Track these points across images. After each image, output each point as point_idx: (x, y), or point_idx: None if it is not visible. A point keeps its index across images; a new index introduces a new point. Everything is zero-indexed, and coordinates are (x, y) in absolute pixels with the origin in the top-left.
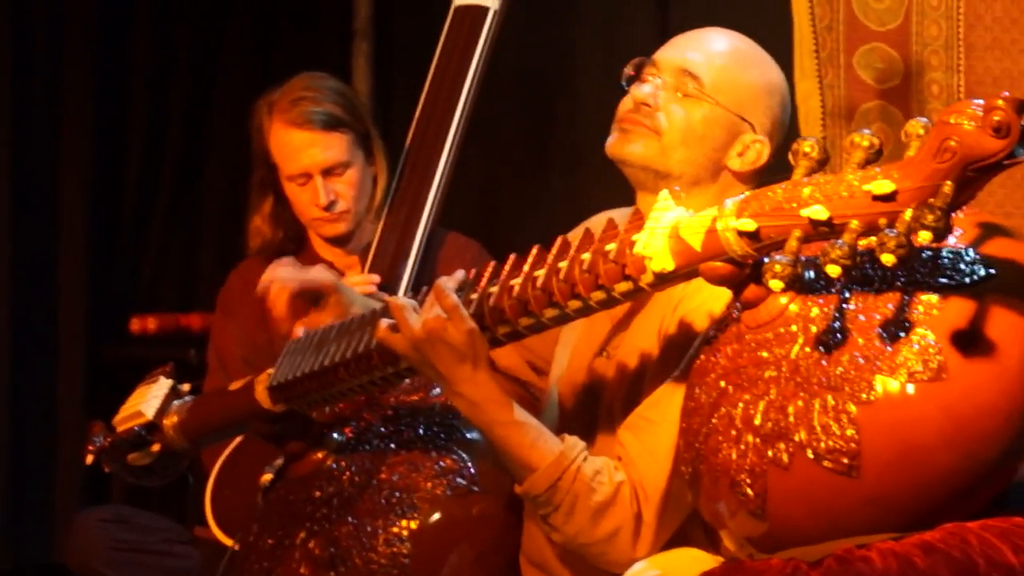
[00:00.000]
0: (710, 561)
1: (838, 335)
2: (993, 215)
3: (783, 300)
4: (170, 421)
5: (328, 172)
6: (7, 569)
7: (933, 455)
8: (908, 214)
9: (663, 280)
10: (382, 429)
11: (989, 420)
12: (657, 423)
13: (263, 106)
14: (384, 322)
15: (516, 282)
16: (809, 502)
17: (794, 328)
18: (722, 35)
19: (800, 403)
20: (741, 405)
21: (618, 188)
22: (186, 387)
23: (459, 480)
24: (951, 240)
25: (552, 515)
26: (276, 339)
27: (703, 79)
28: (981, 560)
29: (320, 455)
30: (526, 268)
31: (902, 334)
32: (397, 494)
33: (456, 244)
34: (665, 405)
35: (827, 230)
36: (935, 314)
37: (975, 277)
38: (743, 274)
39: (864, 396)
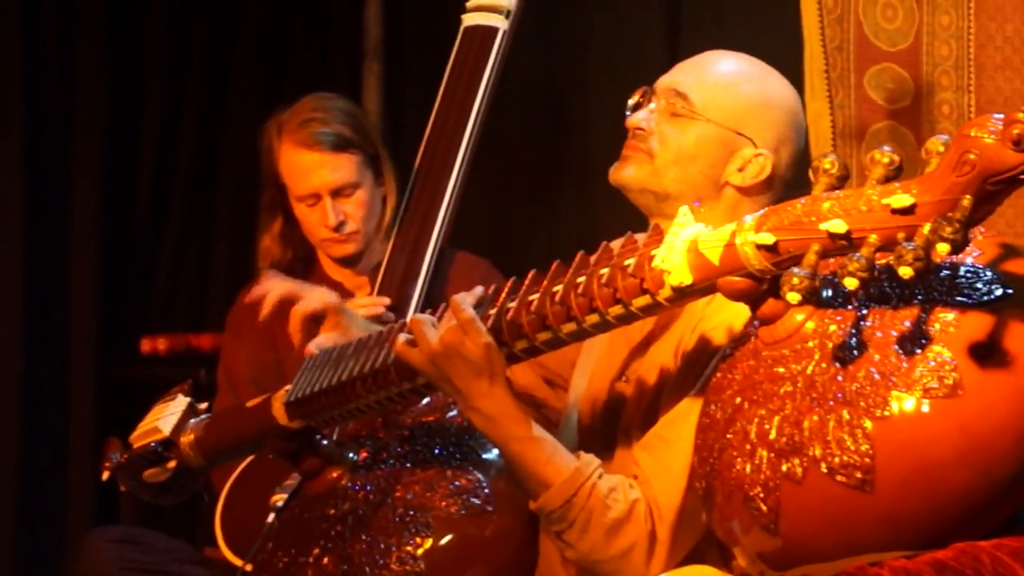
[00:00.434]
0: None
1: (854, 351)
2: (1005, 236)
3: (800, 317)
4: (187, 438)
5: (337, 193)
6: None
7: (948, 472)
8: (927, 228)
9: (681, 294)
10: (398, 448)
11: (1004, 438)
12: (673, 442)
13: (272, 127)
14: (402, 336)
15: (534, 297)
16: (822, 517)
17: (811, 344)
18: (722, 56)
19: (815, 418)
20: (756, 420)
21: (629, 207)
22: (203, 405)
23: (474, 500)
24: (969, 260)
25: (566, 531)
26: (286, 360)
27: (691, 98)
28: None
29: (336, 473)
30: (545, 283)
31: (918, 351)
32: (412, 513)
33: (466, 263)
34: (681, 424)
35: (846, 244)
36: (952, 331)
37: (992, 296)
38: (761, 289)
39: (879, 412)
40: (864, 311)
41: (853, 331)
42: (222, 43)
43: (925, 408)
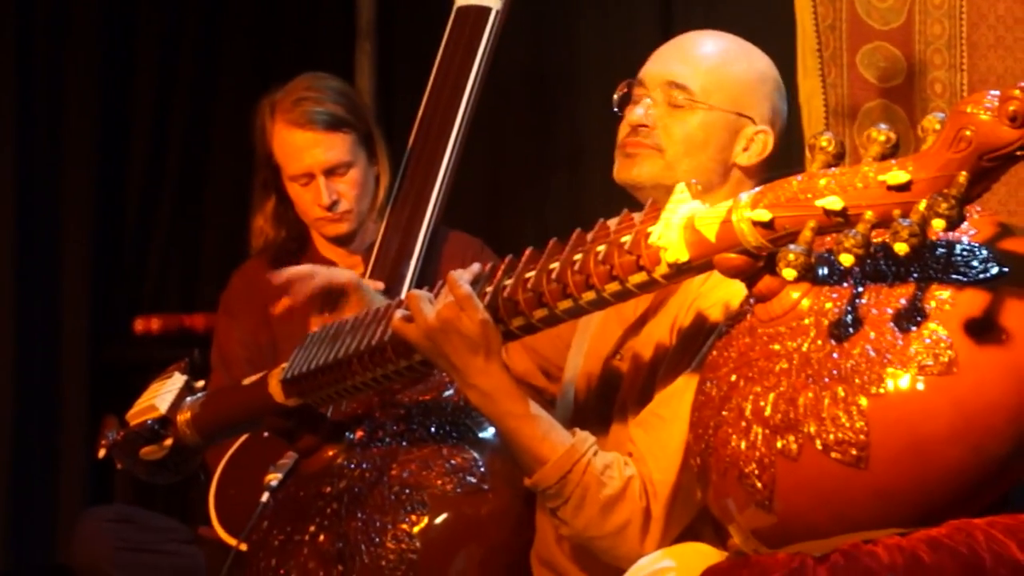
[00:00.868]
0: (717, 556)
1: (850, 328)
2: (997, 214)
3: (796, 294)
4: (183, 416)
5: (331, 172)
6: (11, 570)
7: (942, 449)
8: (923, 204)
9: (678, 271)
10: (394, 427)
11: (998, 415)
12: (668, 420)
13: (266, 106)
14: (399, 313)
15: (531, 274)
16: (817, 494)
17: (807, 322)
18: (702, 38)
19: (810, 395)
20: (751, 397)
21: (621, 187)
22: (200, 383)
23: (469, 478)
24: (964, 238)
25: (561, 508)
26: (280, 340)
27: (691, 87)
28: (988, 556)
29: (332, 452)
30: (541, 261)
31: (914, 328)
32: (407, 491)
33: (459, 242)
34: (677, 402)
35: (841, 221)
36: (947, 309)
37: (987, 274)
38: (757, 266)
39: (874, 389)
40: (860, 288)
41: (849, 308)
42: (214, 23)
43: (920, 385)
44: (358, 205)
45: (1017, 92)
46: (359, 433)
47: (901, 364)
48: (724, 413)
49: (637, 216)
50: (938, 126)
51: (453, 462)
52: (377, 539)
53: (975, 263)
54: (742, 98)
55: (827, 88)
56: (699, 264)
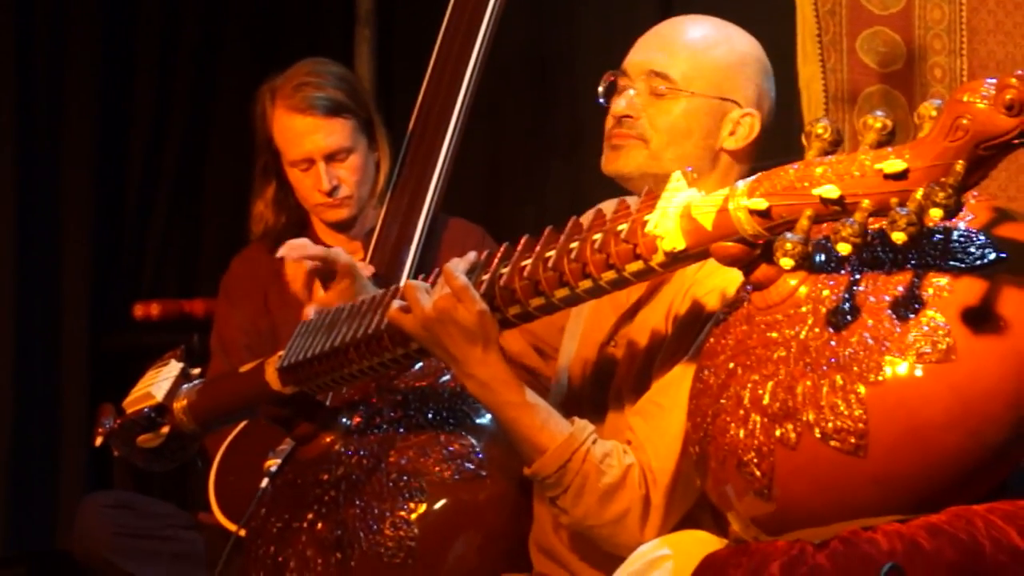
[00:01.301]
0: (717, 543)
1: (848, 315)
2: (997, 199)
3: (793, 281)
4: (180, 404)
5: (331, 158)
6: (11, 556)
7: (940, 436)
8: (920, 193)
9: (674, 260)
10: (391, 414)
11: (997, 402)
12: (667, 408)
13: (266, 92)
14: (396, 303)
15: (527, 263)
16: (816, 482)
17: (804, 309)
18: (682, 24)
19: (809, 383)
20: (750, 385)
21: None
22: (196, 370)
23: (467, 465)
24: (962, 224)
25: (561, 497)
26: (279, 325)
27: (672, 75)
28: (987, 542)
29: (329, 439)
30: (538, 249)
31: (912, 315)
32: (405, 478)
33: (459, 229)
34: (675, 390)
35: (838, 209)
36: (945, 296)
37: (985, 260)
38: (754, 254)
39: (873, 376)
40: (857, 276)
41: (846, 296)
42: (214, 10)
43: (918, 372)
44: (358, 191)
45: (1014, 80)
46: (356, 420)
47: (899, 351)
48: (722, 401)
49: (634, 203)
50: (934, 113)
51: (451, 448)
52: (375, 526)
53: (973, 249)
54: (725, 82)
55: (827, 73)
56: (696, 252)
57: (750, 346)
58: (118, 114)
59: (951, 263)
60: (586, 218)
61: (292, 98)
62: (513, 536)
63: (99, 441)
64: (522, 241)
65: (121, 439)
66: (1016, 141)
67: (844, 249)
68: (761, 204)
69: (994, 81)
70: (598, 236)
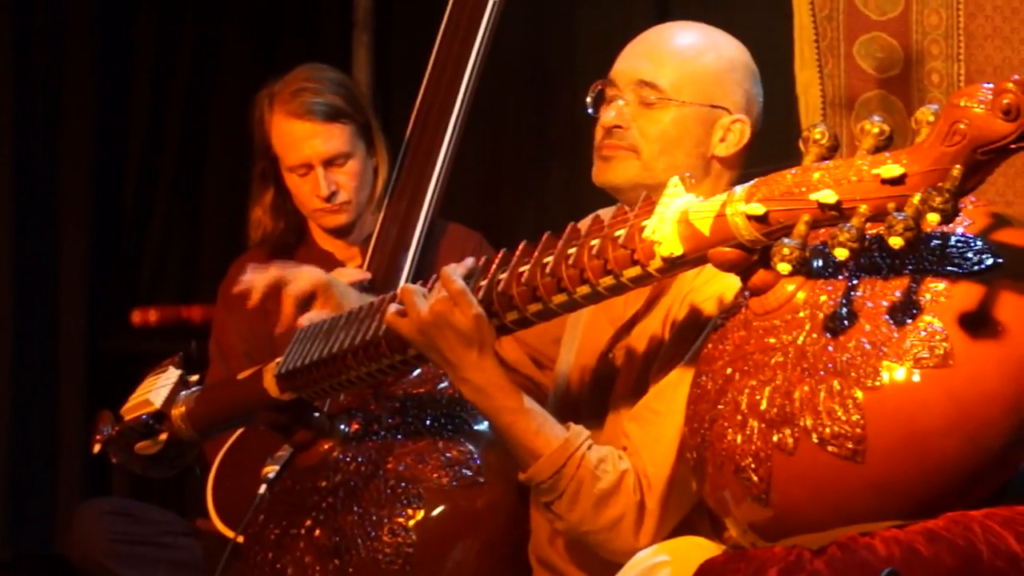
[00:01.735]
0: (714, 549)
1: (845, 321)
2: (994, 204)
3: (791, 287)
4: (178, 410)
5: (329, 163)
6: (9, 560)
7: (938, 441)
8: (917, 198)
9: (672, 265)
10: (389, 420)
11: (994, 407)
12: (662, 413)
13: (264, 97)
14: (392, 307)
15: (525, 268)
16: (813, 487)
17: (802, 315)
18: (669, 31)
19: (806, 388)
20: (747, 391)
21: None
22: (194, 377)
23: (465, 471)
24: (959, 230)
25: (556, 502)
26: (278, 332)
27: (660, 84)
28: (985, 548)
29: (327, 445)
30: (535, 254)
31: (909, 320)
32: (403, 484)
33: (457, 235)
34: (671, 395)
35: (836, 214)
36: (942, 301)
37: (982, 265)
38: (752, 260)
39: (870, 382)
40: (855, 281)
41: (844, 301)
42: (212, 15)
43: (916, 378)
44: (356, 196)
45: (1011, 85)
46: (354, 426)
47: (897, 357)
48: (720, 407)
49: (631, 209)
50: (932, 118)
51: (449, 455)
52: (373, 533)
53: (970, 254)
54: (713, 89)
55: (824, 79)
56: (693, 258)
57: (748, 352)
58: (116, 120)
59: (948, 268)
60: (584, 224)
61: (290, 103)
62: (512, 542)
63: (97, 448)
64: (520, 247)
65: (119, 446)
66: (1013, 145)
67: (842, 254)
68: (759, 209)
69: (991, 86)
70: (596, 242)
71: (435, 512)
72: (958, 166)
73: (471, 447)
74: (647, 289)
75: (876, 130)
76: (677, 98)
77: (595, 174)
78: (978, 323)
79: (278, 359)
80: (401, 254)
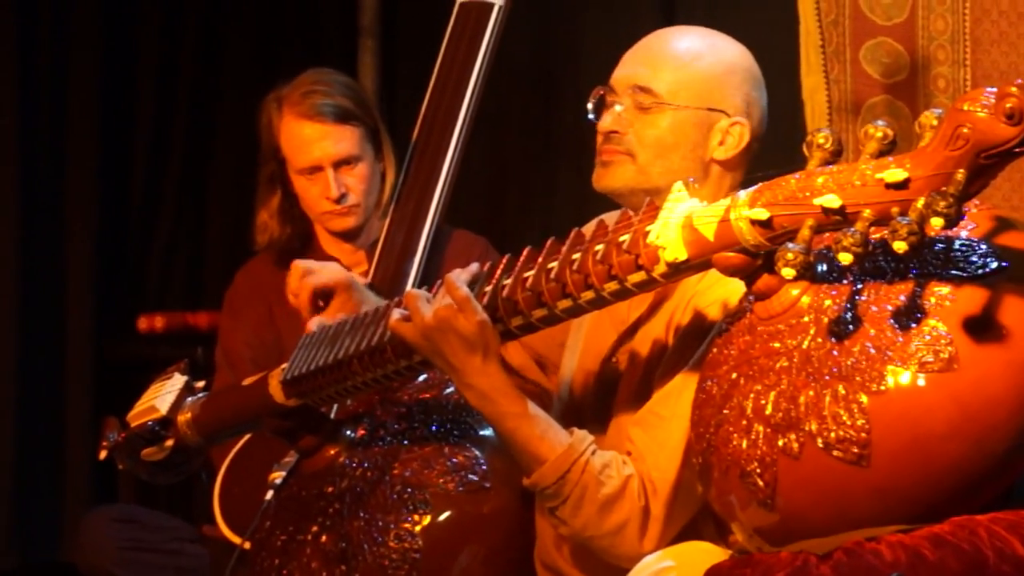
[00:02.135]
0: (720, 554)
1: (850, 325)
2: (1000, 208)
3: (795, 291)
4: (184, 417)
5: (339, 165)
6: (16, 567)
7: (943, 445)
8: (921, 202)
9: (676, 270)
10: (395, 426)
11: (999, 411)
12: (667, 418)
13: (272, 101)
14: (396, 312)
15: (530, 274)
16: (819, 492)
17: (806, 319)
18: (666, 36)
19: (811, 393)
20: (752, 395)
21: None
22: (200, 384)
23: (471, 476)
24: (963, 233)
25: (560, 508)
26: (284, 337)
27: (656, 89)
28: (991, 553)
29: (333, 451)
30: (540, 260)
31: (914, 325)
32: (409, 490)
33: (463, 241)
34: (675, 400)
35: (840, 219)
36: (947, 305)
37: (987, 269)
38: (756, 264)
39: (875, 386)
40: (859, 286)
41: (848, 306)
42: (217, 21)
43: (921, 382)
44: (365, 200)
45: (1014, 89)
46: (360, 432)
47: (901, 361)
48: (725, 411)
49: (635, 214)
50: (935, 122)
51: (455, 460)
52: (380, 538)
53: (974, 258)
54: (711, 93)
55: (830, 84)
56: (698, 263)
57: (752, 356)
58: (121, 127)
59: (953, 272)
60: (588, 229)
61: (301, 105)
62: (517, 548)
63: (103, 454)
64: (524, 252)
65: (125, 452)
66: (1017, 149)
67: (846, 259)
68: (763, 214)
69: (994, 90)
70: (600, 247)
71: (441, 518)
72: (962, 170)
73: (477, 452)
74: (651, 293)
75: (880, 134)
76: (673, 102)
77: (595, 179)
78: (983, 327)
79: (284, 365)
80: (407, 260)
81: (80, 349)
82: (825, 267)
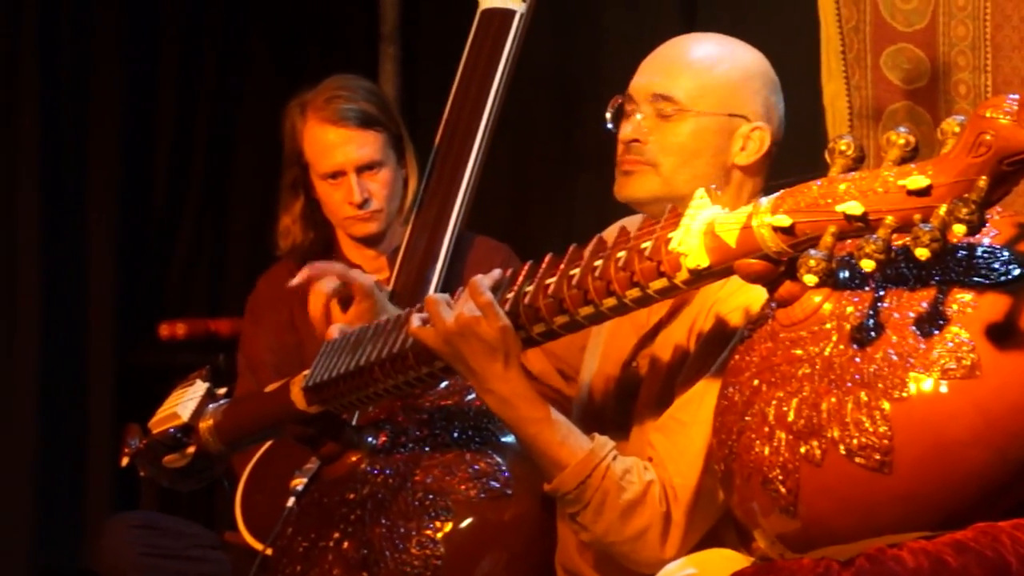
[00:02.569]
0: (742, 561)
1: (872, 332)
2: (1021, 215)
3: (817, 298)
4: (205, 423)
5: (362, 170)
6: (37, 575)
7: (965, 452)
8: (943, 209)
9: (698, 277)
10: (417, 432)
11: (1021, 418)
12: (688, 424)
13: (295, 107)
14: (417, 317)
15: (552, 281)
16: (841, 499)
17: (828, 326)
18: (684, 43)
19: (833, 400)
20: (774, 402)
21: None
22: (222, 390)
23: (493, 483)
24: (986, 240)
25: (581, 513)
26: (306, 343)
27: (676, 96)
28: (1013, 559)
29: (355, 458)
30: (562, 266)
31: (936, 331)
32: (431, 496)
33: (485, 247)
34: (696, 406)
35: (862, 226)
36: (969, 312)
37: (1010, 276)
38: (778, 271)
39: (897, 393)
40: (881, 292)
41: (870, 312)
42: (238, 28)
43: (943, 389)
44: (388, 205)
45: None
46: (382, 438)
47: (924, 368)
48: (747, 418)
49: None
50: (957, 129)
51: (476, 467)
52: (402, 545)
53: (997, 265)
54: (731, 98)
55: (851, 90)
56: (720, 270)
57: (775, 363)
58: (143, 134)
59: (975, 279)
60: (610, 235)
61: (324, 110)
62: (539, 555)
63: (125, 461)
64: (546, 259)
65: (147, 459)
66: None
67: (868, 266)
68: (785, 221)
69: (1017, 97)
70: (622, 254)
71: (463, 524)
72: (984, 177)
73: (499, 459)
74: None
75: (902, 141)
76: (694, 109)
77: (616, 189)
78: (1005, 334)
79: (305, 372)
80: (429, 266)
81: (102, 356)
82: (847, 274)
